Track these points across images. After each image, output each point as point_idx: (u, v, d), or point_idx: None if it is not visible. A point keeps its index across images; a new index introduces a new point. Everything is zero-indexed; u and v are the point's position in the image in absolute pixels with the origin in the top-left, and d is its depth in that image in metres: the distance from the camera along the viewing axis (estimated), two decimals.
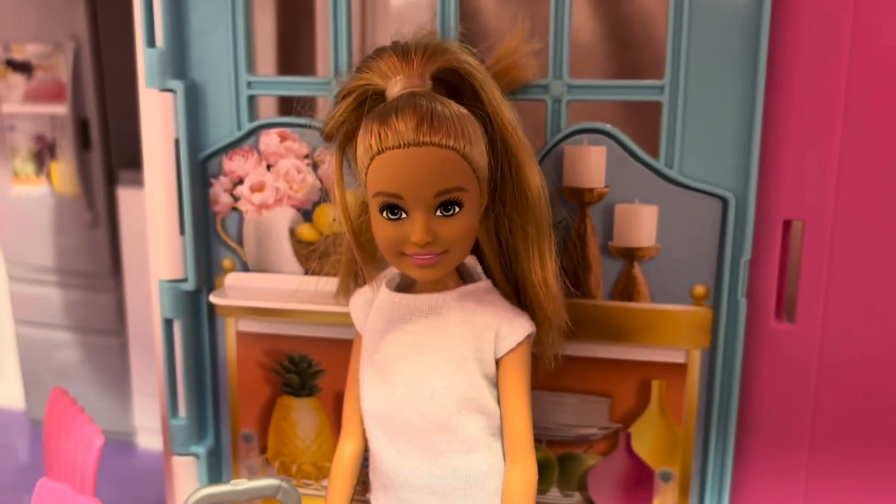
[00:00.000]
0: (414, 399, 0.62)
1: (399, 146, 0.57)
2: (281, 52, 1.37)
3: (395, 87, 0.60)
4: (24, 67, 1.36)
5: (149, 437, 1.49)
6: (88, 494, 0.74)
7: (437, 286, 0.64)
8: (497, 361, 0.63)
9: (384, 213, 0.59)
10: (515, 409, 0.63)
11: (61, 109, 1.36)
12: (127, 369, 1.46)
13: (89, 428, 0.78)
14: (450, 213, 0.58)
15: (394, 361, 0.64)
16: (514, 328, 0.63)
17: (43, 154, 1.40)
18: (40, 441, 1.50)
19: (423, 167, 0.57)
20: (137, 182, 1.36)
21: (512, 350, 0.63)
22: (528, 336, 0.63)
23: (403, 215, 0.58)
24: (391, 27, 1.20)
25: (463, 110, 0.59)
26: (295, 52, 1.37)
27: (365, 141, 0.58)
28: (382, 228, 0.60)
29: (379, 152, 0.57)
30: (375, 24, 1.22)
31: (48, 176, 1.41)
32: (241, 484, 0.61)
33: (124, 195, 1.38)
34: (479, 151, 0.59)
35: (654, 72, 1.21)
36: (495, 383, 0.64)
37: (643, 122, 1.03)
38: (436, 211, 0.58)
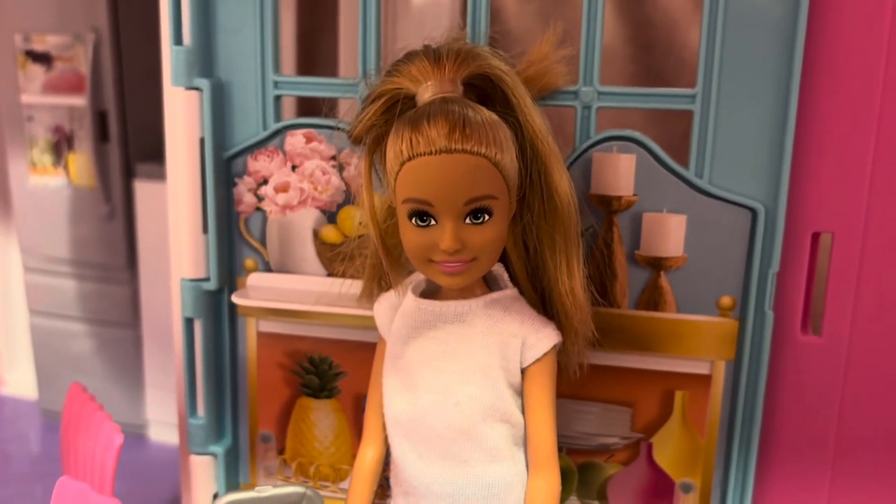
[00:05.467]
0: (438, 407, 0.62)
1: (430, 153, 0.56)
2: (301, 52, 1.36)
3: (427, 93, 0.59)
4: (43, 58, 1.36)
5: (161, 430, 1.49)
6: (107, 493, 0.74)
7: (464, 293, 0.63)
8: (522, 370, 0.63)
9: (413, 220, 0.58)
10: (540, 419, 0.63)
11: (80, 101, 1.36)
12: (140, 362, 1.46)
13: (109, 426, 0.77)
14: (479, 220, 0.58)
15: (418, 368, 0.63)
16: (541, 338, 0.62)
17: (61, 145, 1.40)
18: (52, 431, 1.50)
19: (453, 174, 0.56)
20: (154, 175, 1.36)
21: (538, 360, 0.62)
22: (555, 346, 0.63)
23: (432, 222, 0.58)
24: (412, 28, 1.20)
25: (494, 117, 0.59)
26: (316, 52, 1.36)
27: (395, 146, 0.58)
28: (411, 235, 0.59)
29: (410, 158, 0.57)
30: (396, 25, 1.22)
31: (66, 167, 1.40)
32: (266, 491, 0.61)
33: (141, 188, 1.38)
34: (509, 159, 0.58)
35: (677, 75, 1.20)
36: (520, 392, 0.63)
37: (668, 126, 1.03)
38: (465, 218, 0.58)
